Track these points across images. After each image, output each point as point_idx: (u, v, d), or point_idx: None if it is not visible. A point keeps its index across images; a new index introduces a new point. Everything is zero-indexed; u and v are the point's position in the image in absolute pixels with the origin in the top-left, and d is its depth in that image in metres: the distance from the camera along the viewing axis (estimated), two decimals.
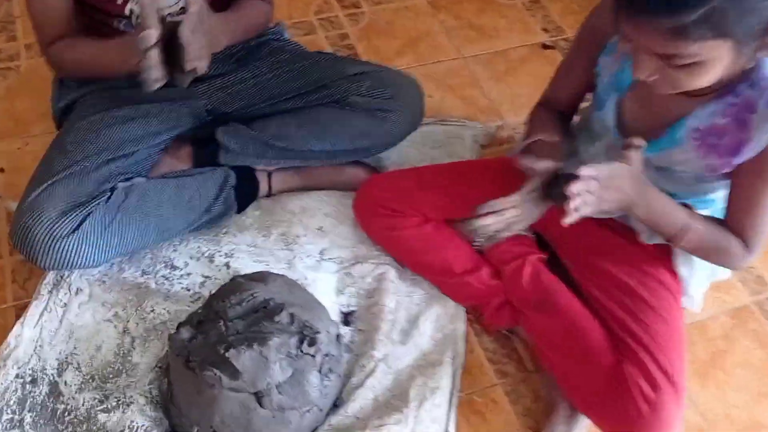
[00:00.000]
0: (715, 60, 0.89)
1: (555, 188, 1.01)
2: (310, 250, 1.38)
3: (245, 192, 1.38)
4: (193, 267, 1.33)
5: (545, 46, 1.85)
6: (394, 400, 1.19)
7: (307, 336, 1.09)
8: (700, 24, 0.84)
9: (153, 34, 1.00)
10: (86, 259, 1.18)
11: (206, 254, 1.34)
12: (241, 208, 1.39)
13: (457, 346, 1.29)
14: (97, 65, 1.22)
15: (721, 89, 0.99)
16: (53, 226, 1.14)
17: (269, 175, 1.42)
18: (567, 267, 1.31)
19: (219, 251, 1.35)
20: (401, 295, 1.33)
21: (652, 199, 1.03)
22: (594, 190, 0.97)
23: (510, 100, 1.70)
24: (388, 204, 1.32)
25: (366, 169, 1.46)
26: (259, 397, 1.06)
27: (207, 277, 1.31)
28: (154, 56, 1.02)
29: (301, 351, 1.08)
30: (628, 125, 1.11)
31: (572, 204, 0.96)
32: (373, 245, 1.39)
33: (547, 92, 1.26)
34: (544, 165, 1.04)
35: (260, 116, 1.39)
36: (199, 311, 1.14)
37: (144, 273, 1.31)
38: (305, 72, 1.39)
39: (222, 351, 1.05)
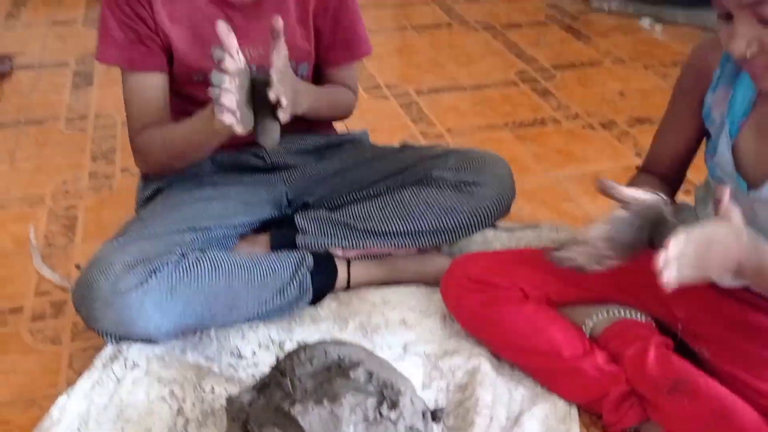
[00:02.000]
0: None
1: (657, 236, 0.90)
2: (392, 342, 1.22)
3: (322, 279, 1.27)
4: (261, 356, 1.18)
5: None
6: None
7: (387, 397, 0.91)
8: None
9: (230, 65, 0.98)
10: (148, 321, 1.07)
11: (276, 342, 1.20)
12: (316, 298, 1.27)
13: None
14: (185, 142, 1.17)
15: None
16: (118, 279, 1.06)
17: (348, 264, 1.31)
18: (699, 354, 1.09)
19: (291, 339, 1.21)
20: (500, 390, 1.13)
21: (764, 256, 0.86)
22: (691, 255, 0.80)
23: None
24: (484, 277, 1.17)
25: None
26: None
27: None
28: (232, 88, 0.99)
29: (380, 414, 0.89)
30: (749, 166, 0.98)
31: (666, 273, 0.78)
32: (464, 338, 1.22)
33: (648, 155, 1.16)
34: (633, 193, 0.92)
35: (341, 205, 1.33)
36: (263, 376, 0.98)
37: (207, 358, 1.17)
38: (388, 159, 1.35)
39: (286, 408, 0.88)
